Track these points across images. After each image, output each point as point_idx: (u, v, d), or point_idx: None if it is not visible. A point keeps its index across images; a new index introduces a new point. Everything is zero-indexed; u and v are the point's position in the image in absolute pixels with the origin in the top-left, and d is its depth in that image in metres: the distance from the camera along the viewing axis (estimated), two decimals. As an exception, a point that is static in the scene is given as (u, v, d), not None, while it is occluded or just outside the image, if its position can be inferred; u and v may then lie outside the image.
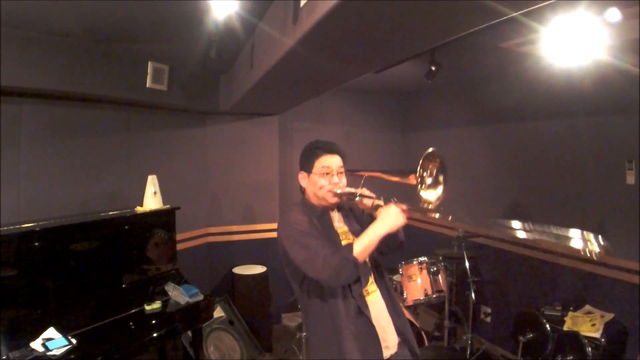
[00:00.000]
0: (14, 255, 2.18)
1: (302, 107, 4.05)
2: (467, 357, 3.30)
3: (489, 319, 3.73)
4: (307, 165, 1.70)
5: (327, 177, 1.66)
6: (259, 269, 3.83)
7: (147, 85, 3.02)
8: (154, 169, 3.15)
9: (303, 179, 1.73)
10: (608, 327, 2.54)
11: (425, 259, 3.28)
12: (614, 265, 2.71)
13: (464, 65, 3.36)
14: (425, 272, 3.23)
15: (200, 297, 2.78)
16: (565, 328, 2.66)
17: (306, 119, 4.53)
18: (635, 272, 2.58)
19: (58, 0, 2.05)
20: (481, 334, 3.75)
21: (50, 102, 2.77)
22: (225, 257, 4.06)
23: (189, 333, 2.91)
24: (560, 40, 2.23)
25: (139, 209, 2.94)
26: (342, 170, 1.70)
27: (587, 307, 2.78)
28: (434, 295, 3.20)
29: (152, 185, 2.97)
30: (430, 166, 1.54)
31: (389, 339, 1.61)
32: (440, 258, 3.41)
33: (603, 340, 2.46)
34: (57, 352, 2.02)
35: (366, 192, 1.67)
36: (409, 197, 1.60)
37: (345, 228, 1.74)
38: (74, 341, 2.12)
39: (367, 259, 1.60)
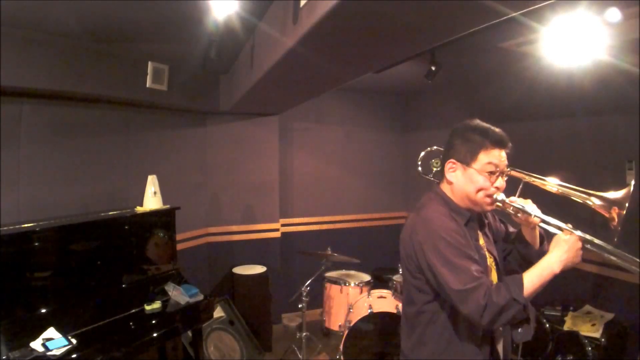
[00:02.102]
0: (14, 255, 2.17)
1: (302, 107, 4.05)
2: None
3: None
4: (466, 155, 1.30)
5: (490, 178, 1.28)
6: (259, 269, 3.83)
7: (147, 85, 3.02)
8: (154, 169, 3.14)
9: (452, 170, 1.34)
10: (608, 327, 2.54)
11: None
12: (614, 265, 2.71)
13: (464, 65, 3.36)
14: (425, 272, 3.23)
15: (200, 297, 2.78)
16: (565, 328, 2.67)
17: (306, 119, 4.54)
18: (635, 272, 2.58)
19: (58, 0, 2.05)
20: (481, 334, 3.75)
21: (50, 102, 2.76)
22: (225, 257, 4.06)
23: (189, 333, 2.91)
24: (560, 40, 2.23)
25: (139, 209, 2.94)
26: (508, 170, 1.33)
27: (587, 307, 2.78)
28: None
29: (152, 185, 2.97)
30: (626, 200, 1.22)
31: None
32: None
33: (603, 340, 2.46)
34: (57, 352, 2.02)
35: (537, 211, 1.31)
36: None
37: (483, 241, 1.38)
38: (74, 341, 2.12)
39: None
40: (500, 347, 1.34)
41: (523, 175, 1.38)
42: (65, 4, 2.08)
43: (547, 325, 2.71)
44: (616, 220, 1.18)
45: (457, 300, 1.18)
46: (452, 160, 1.34)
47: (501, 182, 1.31)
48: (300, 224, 4.57)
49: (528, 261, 1.39)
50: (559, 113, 3.10)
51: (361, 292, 3.33)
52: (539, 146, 3.30)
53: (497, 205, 1.33)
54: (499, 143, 1.29)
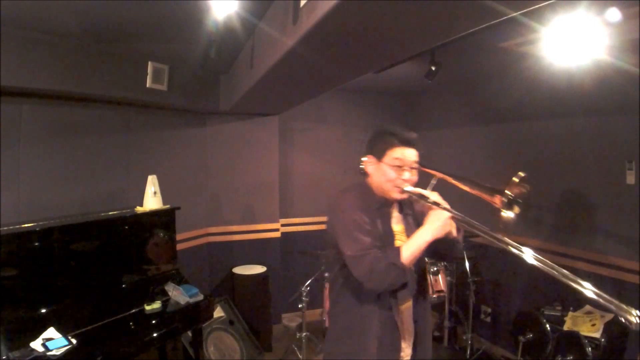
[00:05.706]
0: (14, 255, 2.18)
1: (302, 107, 4.05)
2: (467, 357, 3.30)
3: (489, 319, 3.73)
4: (378, 151, 1.56)
5: (398, 170, 1.51)
6: (259, 269, 3.83)
7: (147, 85, 3.02)
8: (154, 169, 3.15)
9: (370, 164, 1.59)
10: (608, 327, 2.54)
11: (426, 259, 3.28)
12: (614, 265, 2.71)
13: (464, 65, 3.35)
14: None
15: (200, 297, 2.78)
16: (565, 328, 2.67)
17: (306, 119, 4.53)
18: (635, 272, 2.58)
19: (58, 0, 2.05)
20: (481, 334, 3.75)
21: (50, 102, 2.76)
22: (225, 257, 4.06)
23: (189, 333, 2.91)
24: (560, 40, 2.23)
25: (139, 209, 2.94)
26: (416, 165, 1.55)
27: (587, 307, 2.78)
28: (434, 295, 3.19)
29: (152, 185, 2.97)
30: (515, 190, 1.45)
31: (407, 347, 1.59)
32: (440, 258, 3.41)
33: (603, 340, 2.46)
34: (57, 352, 2.02)
35: (438, 198, 1.50)
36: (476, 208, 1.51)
37: (402, 227, 1.62)
38: (74, 341, 2.12)
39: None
40: (398, 317, 1.52)
41: (435, 173, 1.63)
42: (65, 4, 2.08)
43: (547, 325, 2.71)
44: (499, 205, 1.41)
45: (350, 264, 1.44)
46: (369, 155, 1.60)
47: (408, 175, 1.52)
48: (300, 224, 4.57)
49: (445, 253, 1.67)
50: (559, 113, 3.10)
51: (361, 292, 3.32)
52: (539, 146, 3.30)
53: (410, 195, 1.53)
54: (405, 142, 1.52)
